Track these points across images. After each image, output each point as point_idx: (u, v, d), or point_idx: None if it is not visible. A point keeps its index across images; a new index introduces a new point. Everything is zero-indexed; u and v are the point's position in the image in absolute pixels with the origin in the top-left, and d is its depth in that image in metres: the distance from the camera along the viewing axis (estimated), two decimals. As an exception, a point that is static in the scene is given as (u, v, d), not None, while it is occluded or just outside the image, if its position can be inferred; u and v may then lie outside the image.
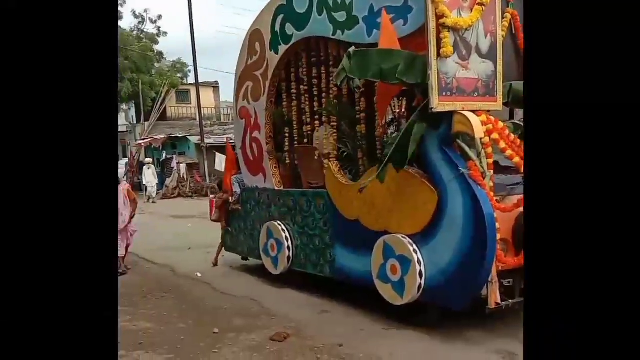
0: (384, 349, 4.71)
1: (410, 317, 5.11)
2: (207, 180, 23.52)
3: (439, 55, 4.30)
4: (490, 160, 4.55)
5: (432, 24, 4.25)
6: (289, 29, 6.26)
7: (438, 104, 4.30)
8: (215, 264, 8.34)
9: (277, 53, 6.53)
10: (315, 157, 6.34)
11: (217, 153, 23.41)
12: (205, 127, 25.79)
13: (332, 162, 5.88)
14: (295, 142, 6.73)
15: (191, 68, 26.77)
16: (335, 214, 5.84)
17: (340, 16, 5.51)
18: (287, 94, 6.81)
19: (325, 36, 5.79)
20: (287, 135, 6.84)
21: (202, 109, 25.37)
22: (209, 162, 23.65)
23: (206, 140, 24.28)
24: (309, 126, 6.56)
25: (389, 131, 5.72)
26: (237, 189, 7.96)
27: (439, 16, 4.26)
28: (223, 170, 23.68)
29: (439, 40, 4.29)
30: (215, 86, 36.25)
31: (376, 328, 5.27)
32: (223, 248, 8.34)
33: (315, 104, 6.38)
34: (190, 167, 24.08)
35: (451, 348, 4.70)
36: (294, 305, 6.15)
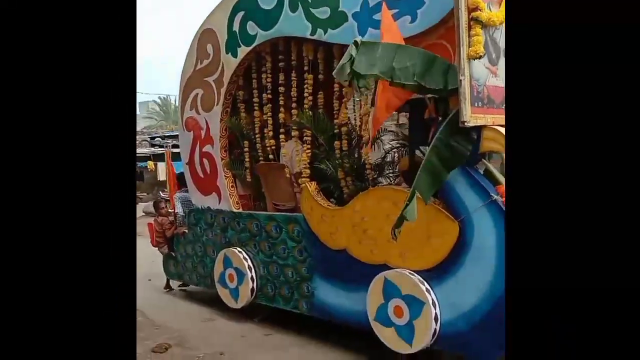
0: (263, 355, 4.63)
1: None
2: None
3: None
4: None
5: (464, 18, 3.20)
6: (252, 28, 5.00)
7: (471, 117, 3.27)
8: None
9: (235, 56, 5.24)
10: (285, 176, 5.14)
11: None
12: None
13: (309, 183, 4.72)
14: (261, 158, 5.46)
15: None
16: (314, 242, 4.67)
17: (322, 12, 4.35)
18: (246, 104, 5.53)
19: (301, 36, 4.60)
20: (246, 150, 5.57)
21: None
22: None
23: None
24: (273, 140, 5.32)
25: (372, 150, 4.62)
26: (179, 209, 6.58)
27: (471, 9, 3.22)
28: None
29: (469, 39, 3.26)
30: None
31: (258, 334, 5.16)
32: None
33: (281, 115, 5.17)
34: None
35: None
36: (179, 314, 5.84)
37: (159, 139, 22.59)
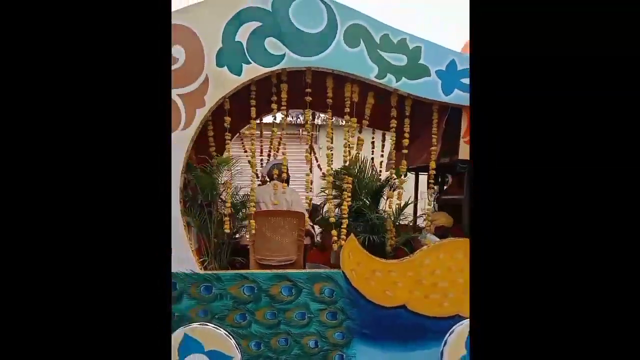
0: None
1: None
2: None
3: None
4: None
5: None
6: (276, 47, 3.59)
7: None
8: None
9: (237, 74, 3.59)
10: (297, 225, 3.80)
11: None
12: None
13: (353, 236, 3.72)
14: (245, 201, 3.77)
15: None
16: (357, 301, 3.68)
17: (396, 59, 3.69)
18: (233, 134, 3.80)
19: (359, 76, 3.69)
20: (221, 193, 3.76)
21: None
22: None
23: None
24: (286, 184, 3.85)
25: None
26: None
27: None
28: None
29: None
30: None
31: None
32: None
33: (306, 155, 3.84)
34: None
35: None
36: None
37: None
